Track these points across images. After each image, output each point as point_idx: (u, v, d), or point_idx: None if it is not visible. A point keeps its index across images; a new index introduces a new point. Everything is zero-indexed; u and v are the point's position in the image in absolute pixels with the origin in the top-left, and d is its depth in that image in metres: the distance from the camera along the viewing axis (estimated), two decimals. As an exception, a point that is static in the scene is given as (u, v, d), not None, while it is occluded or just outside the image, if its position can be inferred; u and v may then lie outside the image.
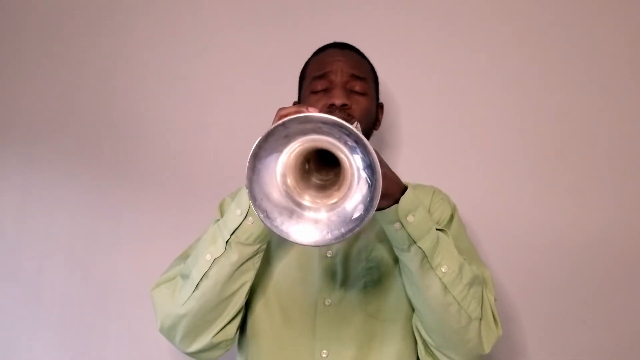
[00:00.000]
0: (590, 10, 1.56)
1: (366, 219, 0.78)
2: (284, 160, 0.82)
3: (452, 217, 1.17)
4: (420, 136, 1.58)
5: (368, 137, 1.22)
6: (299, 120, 0.76)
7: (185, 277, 1.02)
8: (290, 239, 0.81)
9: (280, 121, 0.76)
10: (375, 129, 1.26)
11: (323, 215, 0.82)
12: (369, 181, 0.78)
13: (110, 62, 1.71)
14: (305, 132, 0.79)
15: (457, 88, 1.57)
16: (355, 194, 0.80)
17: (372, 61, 1.27)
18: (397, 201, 0.91)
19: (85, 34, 1.73)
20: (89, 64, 1.72)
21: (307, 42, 1.30)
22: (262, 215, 0.81)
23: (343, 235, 0.79)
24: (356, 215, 0.79)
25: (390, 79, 1.52)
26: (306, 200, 0.84)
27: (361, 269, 1.12)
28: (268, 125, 0.96)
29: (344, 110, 1.12)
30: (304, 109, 0.94)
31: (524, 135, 1.54)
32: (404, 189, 0.94)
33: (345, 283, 1.11)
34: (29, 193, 1.69)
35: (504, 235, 1.51)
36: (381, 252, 1.13)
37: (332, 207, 0.82)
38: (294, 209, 0.83)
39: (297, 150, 0.81)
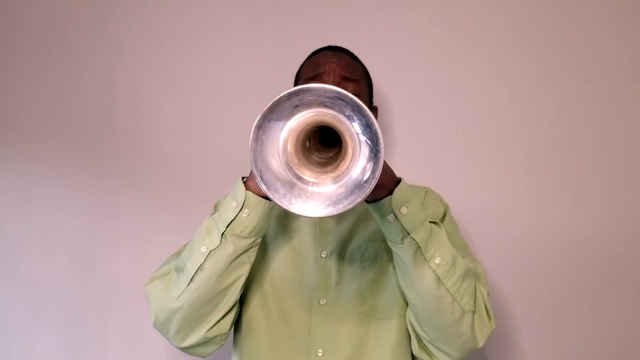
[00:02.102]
0: (588, 11, 1.56)
1: (377, 173, 0.79)
2: (286, 131, 0.84)
3: (444, 215, 1.18)
4: (415, 138, 1.58)
5: None
6: (303, 90, 0.79)
7: (179, 270, 1.02)
8: (294, 212, 0.83)
9: (286, 92, 0.79)
10: None
11: (328, 188, 0.85)
12: (369, 142, 0.80)
13: (110, 62, 1.73)
14: (310, 105, 0.82)
15: (452, 89, 1.58)
16: (360, 160, 0.82)
17: (368, 63, 1.27)
18: (391, 192, 0.93)
19: (85, 34, 1.75)
20: (89, 64, 1.73)
21: (306, 43, 1.32)
22: (264, 187, 0.82)
23: (346, 206, 0.81)
24: (366, 176, 0.81)
25: (385, 81, 1.54)
26: (306, 175, 0.86)
27: (355, 269, 1.13)
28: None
29: None
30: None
31: (519, 136, 1.54)
32: (397, 181, 0.95)
33: (339, 283, 1.12)
34: (29, 193, 1.70)
35: (498, 235, 1.52)
36: (375, 252, 1.14)
37: (338, 178, 0.85)
38: (295, 182, 0.85)
39: (301, 122, 0.84)
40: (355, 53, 1.26)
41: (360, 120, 0.79)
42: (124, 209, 1.66)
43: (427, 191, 1.24)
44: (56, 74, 1.74)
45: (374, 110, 1.29)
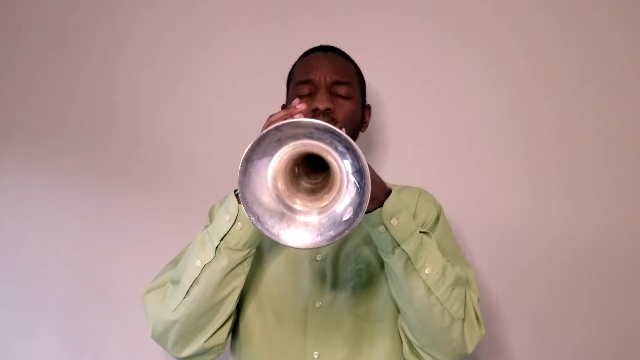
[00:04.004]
0: (589, 9, 1.56)
1: (355, 222, 0.80)
2: (274, 165, 0.84)
3: (437, 218, 1.19)
4: (408, 137, 1.59)
5: (354, 139, 1.23)
6: (292, 125, 0.78)
7: (175, 283, 1.03)
8: (281, 242, 0.83)
9: (273, 125, 0.78)
10: (362, 131, 1.27)
11: (314, 218, 0.84)
12: (358, 185, 0.80)
13: (111, 62, 1.73)
14: (296, 137, 0.81)
15: (446, 87, 1.58)
16: (344, 197, 0.82)
17: (361, 62, 1.27)
18: (381, 204, 0.93)
19: (85, 34, 1.74)
20: (89, 64, 1.73)
21: (305, 41, 1.31)
22: (253, 219, 0.83)
23: (333, 238, 0.81)
24: (346, 217, 0.82)
25: (379, 80, 1.53)
26: (297, 204, 0.86)
27: (350, 271, 1.14)
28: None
29: (327, 115, 1.13)
30: (292, 109, 0.97)
31: (515, 135, 1.55)
32: (388, 192, 0.95)
33: (335, 285, 1.14)
34: (29, 193, 1.71)
35: (492, 236, 1.52)
36: (369, 255, 1.15)
37: (323, 209, 0.85)
38: (285, 212, 0.85)
39: (288, 154, 0.83)
40: (350, 51, 1.26)
41: (352, 160, 0.79)
42: (124, 209, 1.67)
43: (420, 192, 1.24)
44: (56, 74, 1.74)
45: (367, 108, 1.29)
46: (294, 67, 1.26)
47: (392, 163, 1.58)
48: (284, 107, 1.30)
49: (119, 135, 1.70)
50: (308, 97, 1.16)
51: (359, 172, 0.79)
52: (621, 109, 1.53)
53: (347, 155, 0.79)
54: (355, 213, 0.80)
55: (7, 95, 1.76)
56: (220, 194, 1.25)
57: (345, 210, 0.82)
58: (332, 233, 0.82)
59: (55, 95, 1.74)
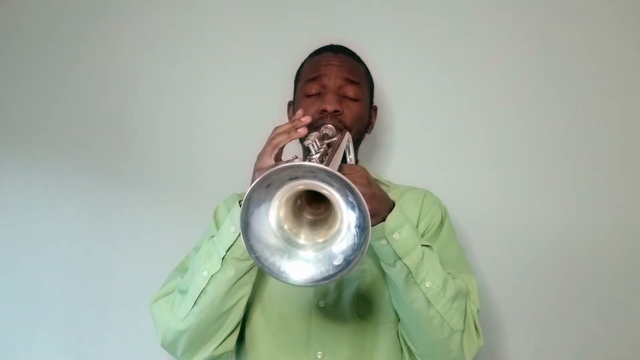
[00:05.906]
0: (595, 8, 1.56)
1: (344, 271, 0.80)
2: (278, 206, 0.83)
3: (442, 222, 1.20)
4: (414, 138, 1.60)
5: (360, 141, 1.25)
6: (324, 171, 0.77)
7: (183, 292, 1.05)
8: (282, 279, 0.82)
9: (280, 166, 0.76)
10: (368, 132, 1.29)
11: (311, 254, 0.84)
12: (356, 238, 0.80)
13: (110, 60, 1.72)
14: (303, 177, 0.80)
15: (453, 89, 1.59)
16: (341, 241, 0.82)
17: (368, 62, 1.28)
18: (384, 219, 0.94)
19: (85, 32, 1.73)
20: (88, 62, 1.72)
21: (307, 39, 1.32)
22: (254, 256, 0.82)
23: (331, 276, 0.82)
24: (336, 263, 0.82)
25: (385, 80, 1.52)
26: (302, 239, 0.86)
27: (354, 272, 1.15)
28: (265, 131, 0.98)
29: (335, 117, 1.15)
30: (297, 122, 0.98)
31: (520, 137, 1.56)
32: (391, 206, 0.97)
33: (338, 286, 1.15)
34: (28, 193, 1.71)
35: (494, 239, 1.53)
36: (373, 256, 1.14)
37: (321, 246, 0.84)
38: (287, 247, 0.84)
39: (291, 192, 0.82)
40: (356, 51, 1.27)
41: (359, 216, 0.78)
42: (124, 208, 1.67)
43: (425, 194, 1.25)
44: (55, 72, 1.73)
45: (374, 110, 1.31)
46: (302, 65, 1.27)
47: (397, 164, 1.58)
48: (290, 104, 1.31)
49: (119, 135, 1.69)
50: (316, 97, 1.18)
51: (361, 228, 0.79)
52: (633, 111, 1.53)
53: (356, 210, 0.79)
54: (346, 262, 0.80)
55: (8, 95, 1.75)
56: (221, 193, 1.27)
57: (338, 255, 0.82)
58: (330, 271, 0.82)
59: (55, 94, 1.72)
